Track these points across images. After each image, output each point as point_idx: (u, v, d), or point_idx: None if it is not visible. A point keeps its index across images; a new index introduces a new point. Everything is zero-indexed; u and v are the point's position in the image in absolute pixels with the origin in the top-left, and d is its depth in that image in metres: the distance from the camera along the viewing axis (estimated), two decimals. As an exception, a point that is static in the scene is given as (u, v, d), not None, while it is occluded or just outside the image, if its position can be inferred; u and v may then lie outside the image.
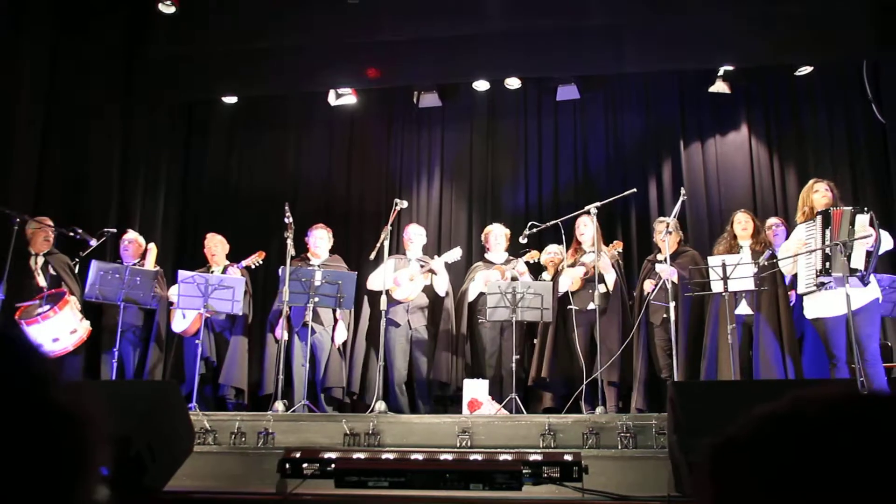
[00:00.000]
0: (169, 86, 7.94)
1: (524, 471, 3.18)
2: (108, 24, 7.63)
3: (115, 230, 6.83)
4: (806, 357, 5.73)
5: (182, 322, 6.45)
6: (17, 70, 6.87)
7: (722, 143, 8.02)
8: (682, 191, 6.20)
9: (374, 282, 6.58)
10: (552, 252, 6.78)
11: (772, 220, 6.39)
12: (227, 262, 6.79)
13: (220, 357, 6.64)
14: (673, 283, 5.85)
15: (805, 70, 7.61)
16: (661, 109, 8.22)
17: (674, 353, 5.78)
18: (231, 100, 8.35)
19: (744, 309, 5.80)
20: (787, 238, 6.04)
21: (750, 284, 5.50)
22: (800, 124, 7.87)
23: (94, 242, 6.41)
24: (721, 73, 7.62)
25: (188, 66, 7.84)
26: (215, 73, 7.88)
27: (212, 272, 6.61)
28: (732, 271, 5.45)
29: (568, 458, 3.24)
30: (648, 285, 6.12)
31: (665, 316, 5.92)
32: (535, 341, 6.52)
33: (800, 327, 5.82)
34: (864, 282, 5.03)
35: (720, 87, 7.68)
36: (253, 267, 6.72)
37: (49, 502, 0.67)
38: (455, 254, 6.66)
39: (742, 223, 6.00)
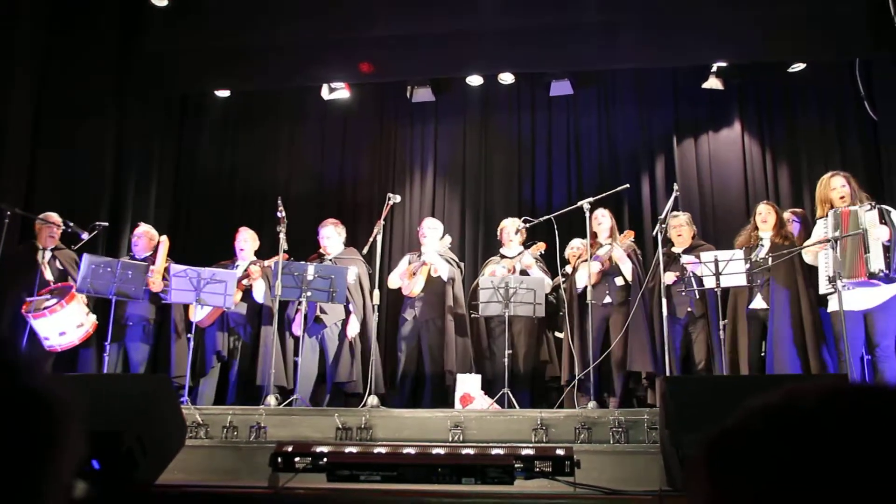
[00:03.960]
0: (162, 79, 7.91)
1: (516, 465, 3.18)
2: (101, 17, 7.60)
3: (107, 223, 6.82)
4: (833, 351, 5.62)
5: (199, 312, 6.42)
6: (9, 62, 6.84)
7: (715, 139, 8.03)
8: (675, 186, 6.19)
9: (393, 281, 6.69)
10: (574, 246, 6.73)
11: (785, 214, 6.24)
12: (254, 259, 6.76)
13: (231, 353, 6.63)
14: (696, 275, 5.82)
15: (798, 67, 7.62)
16: (654, 105, 8.22)
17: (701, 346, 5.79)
18: (224, 93, 8.32)
19: (758, 303, 5.77)
20: (801, 230, 6.02)
21: (742, 280, 5.49)
22: (793, 121, 7.88)
23: (85, 236, 6.42)
24: (714, 69, 7.63)
25: (181, 60, 7.82)
26: (208, 66, 7.85)
27: (237, 266, 6.62)
28: (725, 267, 5.45)
29: (560, 452, 3.23)
30: (670, 277, 5.98)
31: (689, 309, 5.91)
32: (559, 335, 6.49)
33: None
34: (890, 279, 5.01)
35: (713, 83, 7.69)
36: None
37: (20, 485, 0.67)
38: (444, 241, 6.64)
39: (762, 215, 5.91)
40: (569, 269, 6.66)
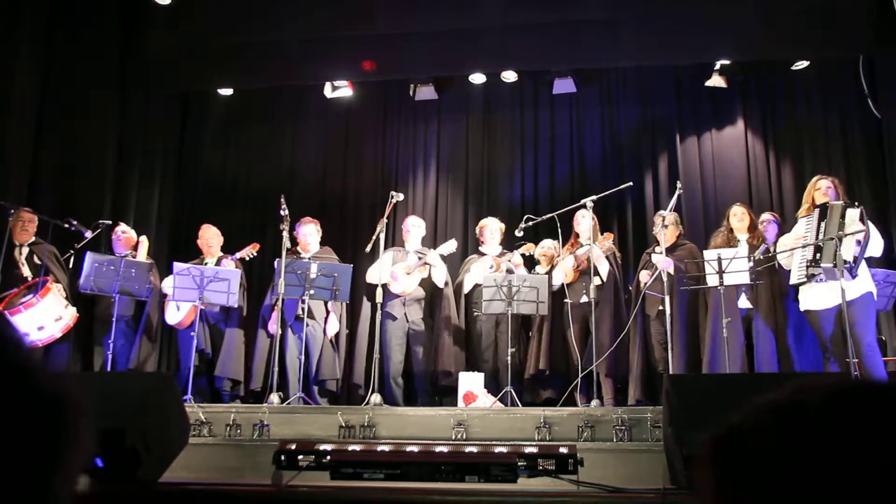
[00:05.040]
0: (164, 77, 7.92)
1: (519, 463, 3.17)
2: (104, 14, 7.60)
3: (110, 222, 6.85)
4: (808, 349, 5.74)
5: (176, 314, 6.45)
6: (12, 60, 6.85)
7: (718, 137, 8.01)
8: (678, 185, 6.20)
9: (373, 275, 6.58)
10: (546, 247, 6.78)
11: (765, 216, 6.39)
12: (222, 254, 6.79)
13: (214, 349, 6.63)
14: (669, 274, 5.86)
15: (802, 65, 7.62)
16: (657, 103, 8.21)
17: (669, 345, 5.79)
18: (227, 92, 8.32)
19: (743, 303, 5.82)
20: (779, 232, 6.07)
21: (745, 278, 5.51)
22: (796, 119, 7.87)
23: (88, 234, 6.44)
24: (718, 67, 7.62)
25: (184, 58, 7.83)
26: (211, 64, 7.86)
27: (206, 264, 6.61)
28: (728, 265, 5.46)
29: (563, 450, 3.23)
30: (644, 276, 6.10)
31: (661, 308, 5.92)
32: (531, 334, 6.52)
33: (801, 320, 5.82)
34: (852, 274, 5.05)
35: (717, 81, 7.68)
36: (247, 259, 6.72)
37: (32, 484, 0.67)
38: (450, 245, 6.64)
39: (738, 216, 6.02)
40: (539, 269, 6.71)
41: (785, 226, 6.34)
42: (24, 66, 6.97)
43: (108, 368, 6.03)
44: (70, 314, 6.03)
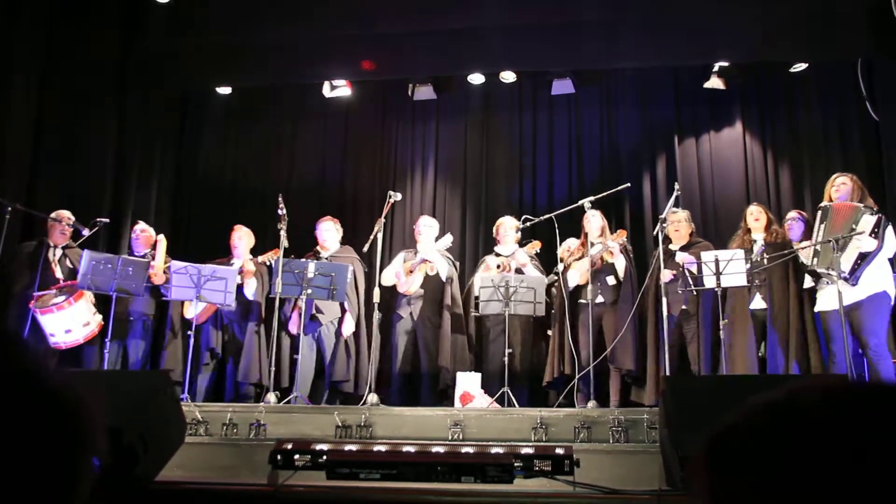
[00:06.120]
0: (164, 76, 7.92)
1: (516, 464, 3.18)
2: (103, 14, 7.60)
3: (107, 220, 6.84)
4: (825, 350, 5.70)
5: (193, 309, 6.43)
6: (11, 58, 6.84)
7: (716, 138, 8.02)
8: (676, 186, 6.19)
9: (387, 277, 6.60)
10: (569, 246, 6.71)
11: (791, 214, 6.22)
12: (250, 257, 6.76)
13: (225, 349, 6.63)
14: (691, 272, 5.80)
15: (800, 67, 7.62)
16: (655, 105, 8.21)
17: (696, 345, 5.78)
18: (225, 91, 8.32)
19: (758, 303, 5.78)
20: (805, 229, 6.02)
21: (742, 280, 5.49)
22: (794, 121, 7.87)
23: (86, 232, 6.45)
24: (716, 69, 7.62)
25: (184, 57, 7.83)
26: (211, 63, 7.85)
27: (232, 264, 6.61)
28: (725, 266, 5.45)
29: (559, 451, 3.23)
30: (667, 275, 5.93)
31: (684, 307, 5.88)
32: (550, 332, 6.48)
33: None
34: (851, 283, 5.03)
35: (715, 83, 7.68)
36: (268, 264, 6.67)
37: (47, 488, 0.67)
38: (446, 240, 6.62)
39: (755, 215, 5.97)
40: (561, 267, 6.67)
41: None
42: (24, 66, 6.97)
43: (105, 367, 6.02)
44: (97, 321, 6.15)
